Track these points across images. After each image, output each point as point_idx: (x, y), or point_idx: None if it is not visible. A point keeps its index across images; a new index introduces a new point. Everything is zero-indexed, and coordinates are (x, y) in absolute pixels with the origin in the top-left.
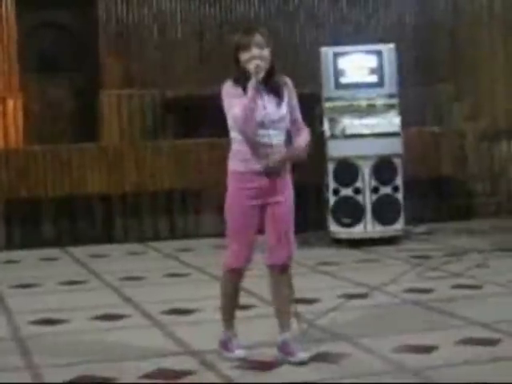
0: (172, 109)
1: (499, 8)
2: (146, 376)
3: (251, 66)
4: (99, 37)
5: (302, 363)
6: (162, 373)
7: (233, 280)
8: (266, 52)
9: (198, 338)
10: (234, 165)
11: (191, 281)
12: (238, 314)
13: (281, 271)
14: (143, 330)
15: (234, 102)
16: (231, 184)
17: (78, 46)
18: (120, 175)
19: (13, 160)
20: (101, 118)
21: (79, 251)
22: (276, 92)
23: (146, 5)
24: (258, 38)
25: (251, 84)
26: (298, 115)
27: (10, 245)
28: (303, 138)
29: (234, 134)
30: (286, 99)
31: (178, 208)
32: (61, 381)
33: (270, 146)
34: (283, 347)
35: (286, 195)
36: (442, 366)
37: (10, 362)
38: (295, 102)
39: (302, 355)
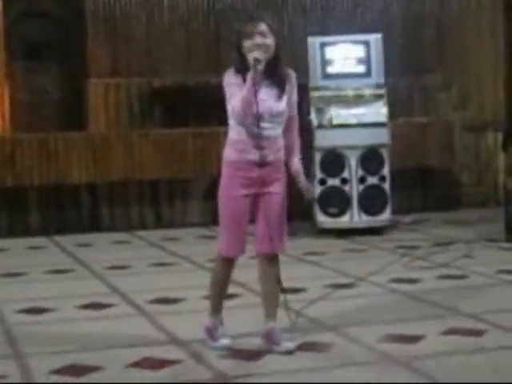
0: (159, 98)
1: None
2: (133, 365)
3: (250, 57)
4: (86, 25)
5: (287, 352)
6: (148, 362)
7: (224, 268)
8: (269, 41)
9: (185, 327)
10: (228, 153)
11: (177, 270)
12: (225, 303)
13: (269, 261)
14: (129, 319)
15: (233, 93)
16: (225, 172)
17: (64, 35)
18: (107, 164)
19: None
20: (88, 107)
21: (66, 240)
22: (278, 85)
23: None
24: (262, 26)
25: (250, 76)
26: (295, 113)
27: None
28: (297, 157)
29: (232, 123)
30: (287, 93)
31: (164, 197)
32: (47, 369)
33: (267, 138)
34: (268, 336)
35: (279, 186)
36: (428, 356)
37: None
38: (294, 98)
39: (288, 344)
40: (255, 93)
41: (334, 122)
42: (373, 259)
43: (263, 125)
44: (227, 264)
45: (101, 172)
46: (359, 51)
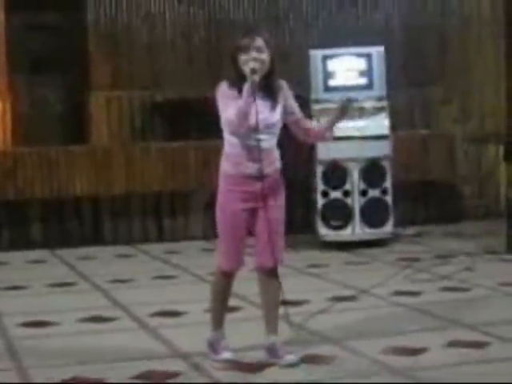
0: (161, 111)
1: (488, 10)
2: (134, 378)
3: (247, 69)
4: (88, 38)
5: (290, 365)
6: (149, 375)
7: (224, 281)
8: (265, 56)
9: (186, 340)
10: (225, 167)
11: (179, 283)
12: (226, 316)
13: (269, 274)
14: (131, 332)
15: (228, 104)
16: (222, 186)
17: (66, 48)
18: (109, 177)
19: (1, 161)
20: (90, 120)
21: (67, 253)
22: (271, 96)
23: (135, 6)
24: (258, 41)
25: (246, 87)
26: (300, 114)
27: None
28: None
29: (226, 136)
30: (281, 103)
31: (166, 210)
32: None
33: (262, 150)
34: (270, 351)
35: (278, 200)
36: (430, 368)
37: None
38: (292, 101)
39: (291, 358)
40: (251, 104)
41: (336, 134)
42: (375, 272)
43: (258, 136)
44: (227, 277)
45: (103, 185)
46: (361, 64)
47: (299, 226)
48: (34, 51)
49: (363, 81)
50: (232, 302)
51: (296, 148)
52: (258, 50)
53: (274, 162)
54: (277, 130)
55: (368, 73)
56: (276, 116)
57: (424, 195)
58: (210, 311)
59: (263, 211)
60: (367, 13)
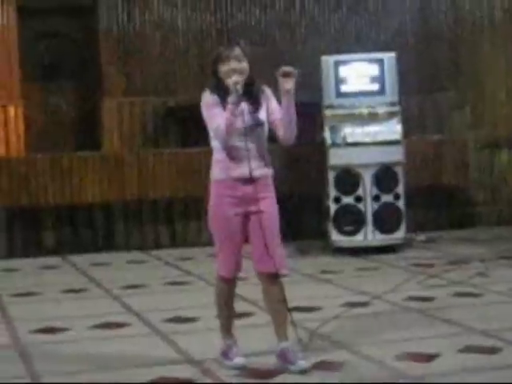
0: (173, 117)
1: (500, 16)
2: None
3: (230, 82)
4: (100, 45)
5: (302, 371)
6: (162, 381)
7: (225, 288)
8: (244, 64)
9: (199, 346)
10: (215, 173)
11: (192, 289)
12: (237, 322)
13: (270, 280)
14: (144, 338)
15: (213, 113)
16: (213, 192)
17: (79, 55)
18: (121, 183)
19: (14, 168)
20: (102, 127)
21: (80, 259)
22: (254, 100)
23: (147, 13)
24: (237, 51)
25: (231, 100)
26: (279, 113)
27: (10, 253)
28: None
29: (214, 143)
30: (264, 106)
31: (178, 216)
32: None
33: (250, 151)
34: (282, 356)
35: (269, 204)
36: (443, 374)
37: (10, 370)
38: (274, 104)
39: (303, 363)
40: (237, 113)
41: (348, 140)
42: (388, 277)
43: (245, 138)
44: (227, 283)
45: (115, 191)
46: (373, 69)
47: (311, 232)
48: (47, 58)
49: (375, 86)
50: (243, 307)
51: None
52: (237, 59)
53: (263, 166)
54: (264, 132)
55: (380, 78)
56: (260, 118)
57: (436, 201)
58: (217, 319)
59: (256, 216)
60: (380, 19)
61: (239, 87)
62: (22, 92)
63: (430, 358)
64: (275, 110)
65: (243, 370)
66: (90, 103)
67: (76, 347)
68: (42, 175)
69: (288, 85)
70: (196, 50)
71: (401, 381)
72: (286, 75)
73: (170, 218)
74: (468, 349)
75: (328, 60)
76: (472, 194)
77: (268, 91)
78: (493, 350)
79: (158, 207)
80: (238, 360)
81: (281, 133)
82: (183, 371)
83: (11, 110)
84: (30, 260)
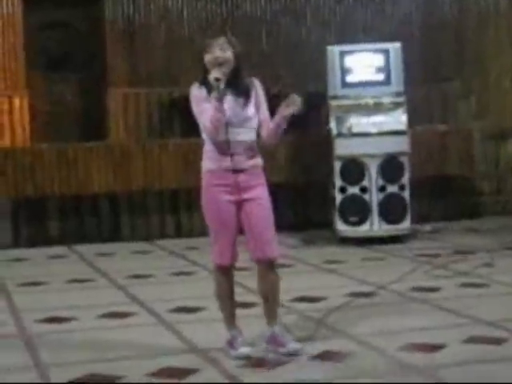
0: (178, 107)
1: (506, 6)
2: (152, 374)
3: (211, 78)
4: (106, 35)
5: (295, 353)
6: (167, 371)
7: (223, 278)
8: (228, 53)
9: (204, 336)
10: (206, 164)
11: (197, 279)
12: (241, 312)
13: (267, 267)
14: (149, 328)
15: (201, 108)
16: (205, 182)
17: (84, 45)
18: (126, 174)
19: (20, 158)
20: (107, 117)
21: (86, 249)
22: (243, 93)
23: (153, 3)
24: (221, 40)
25: (214, 96)
26: (266, 114)
27: (17, 243)
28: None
29: (204, 135)
30: (253, 100)
31: (184, 206)
32: (67, 379)
33: (239, 143)
34: (272, 340)
35: (260, 192)
36: (448, 365)
37: (16, 359)
38: (262, 100)
39: (294, 345)
40: (222, 109)
41: (354, 130)
42: (393, 267)
43: (234, 130)
44: (224, 273)
45: (121, 181)
46: (379, 60)
47: (317, 222)
48: (52, 49)
49: (380, 77)
50: (247, 298)
51: None
52: (221, 47)
53: (252, 157)
54: (253, 124)
55: (385, 69)
56: (250, 110)
57: (442, 191)
58: (219, 310)
59: (248, 205)
60: (385, 9)
61: (221, 83)
62: (28, 82)
63: (435, 348)
64: (263, 109)
65: (248, 359)
66: (95, 94)
67: (81, 337)
68: (47, 165)
69: (287, 112)
70: (201, 40)
71: (405, 371)
72: (291, 103)
73: (175, 208)
74: (473, 339)
75: (333, 50)
76: (477, 184)
77: (257, 83)
78: (498, 341)
79: (164, 197)
80: (244, 350)
81: (264, 134)
82: (188, 361)
83: (17, 101)
84: (35, 250)
